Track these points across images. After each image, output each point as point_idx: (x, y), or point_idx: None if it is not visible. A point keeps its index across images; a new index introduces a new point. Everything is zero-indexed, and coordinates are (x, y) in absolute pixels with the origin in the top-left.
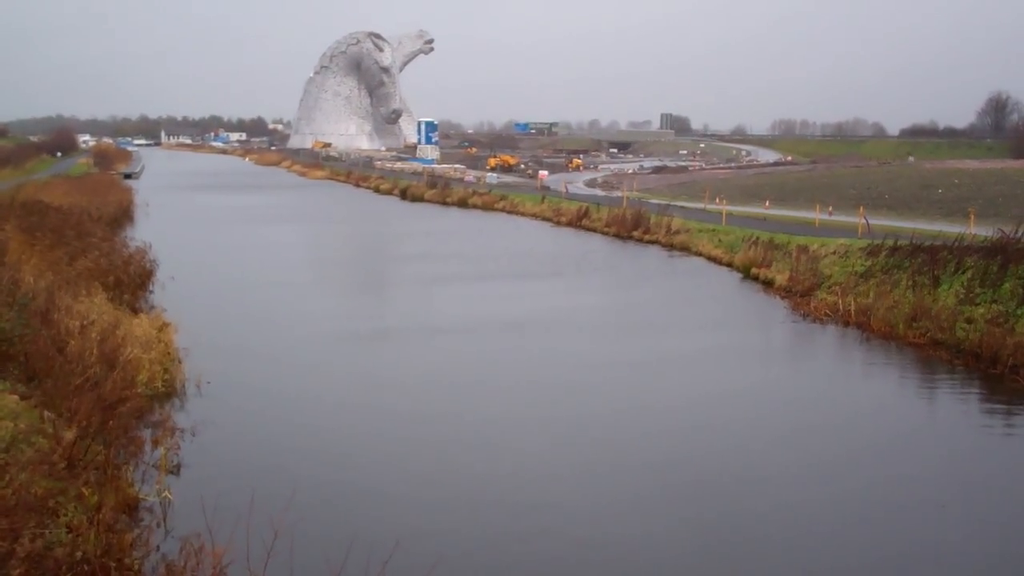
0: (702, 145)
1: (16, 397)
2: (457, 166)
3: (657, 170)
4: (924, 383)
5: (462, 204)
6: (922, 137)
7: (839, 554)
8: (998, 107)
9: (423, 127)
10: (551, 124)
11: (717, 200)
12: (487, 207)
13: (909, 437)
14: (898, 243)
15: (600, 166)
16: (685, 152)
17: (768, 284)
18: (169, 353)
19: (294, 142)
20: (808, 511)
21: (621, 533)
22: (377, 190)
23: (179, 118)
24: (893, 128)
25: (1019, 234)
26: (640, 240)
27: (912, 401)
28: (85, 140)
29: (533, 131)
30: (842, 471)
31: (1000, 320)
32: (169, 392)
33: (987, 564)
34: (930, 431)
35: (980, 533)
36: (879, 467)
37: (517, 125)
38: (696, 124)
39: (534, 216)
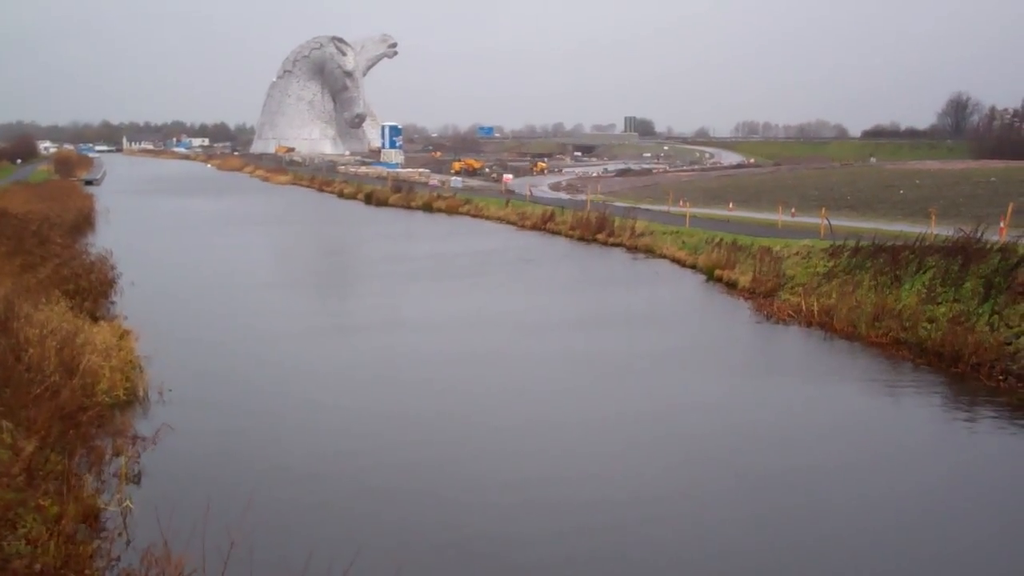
0: (666, 148)
1: None
2: (422, 170)
3: (621, 173)
4: (887, 382)
5: (426, 208)
6: (884, 138)
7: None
8: (959, 108)
9: (387, 131)
10: None
11: (681, 202)
12: (452, 211)
13: (872, 433)
14: (860, 244)
15: (564, 169)
16: (649, 155)
17: (731, 286)
18: (130, 361)
19: (257, 147)
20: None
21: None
22: (341, 194)
23: (141, 124)
24: (855, 130)
25: (979, 234)
26: (604, 243)
27: (876, 399)
28: (46, 147)
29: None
30: (807, 468)
31: (961, 319)
32: (130, 400)
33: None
34: (894, 427)
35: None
36: (842, 460)
37: (481, 129)
38: (660, 127)
39: (499, 220)
